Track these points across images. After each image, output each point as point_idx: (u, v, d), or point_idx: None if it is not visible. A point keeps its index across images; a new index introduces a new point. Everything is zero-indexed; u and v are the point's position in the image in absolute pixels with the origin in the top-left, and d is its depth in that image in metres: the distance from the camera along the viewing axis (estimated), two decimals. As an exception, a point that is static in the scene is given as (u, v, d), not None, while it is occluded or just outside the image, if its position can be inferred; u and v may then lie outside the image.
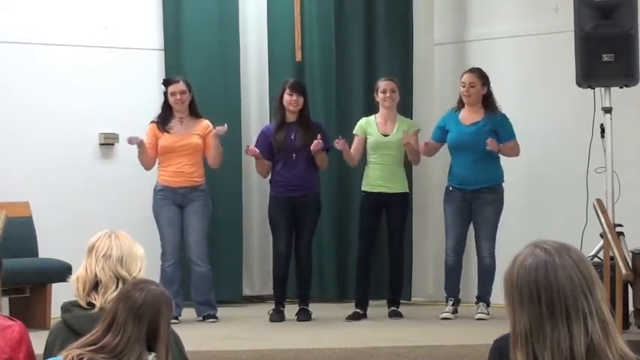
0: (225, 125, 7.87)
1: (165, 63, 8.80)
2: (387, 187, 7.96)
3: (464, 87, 7.93)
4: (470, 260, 8.18)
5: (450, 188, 7.96)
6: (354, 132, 8.12)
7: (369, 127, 8.05)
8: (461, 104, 8.01)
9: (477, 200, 7.85)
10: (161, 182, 7.92)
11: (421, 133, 8.38)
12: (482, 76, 7.94)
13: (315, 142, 7.79)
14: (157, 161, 7.97)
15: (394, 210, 7.98)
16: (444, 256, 8.03)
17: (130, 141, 7.80)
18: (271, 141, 7.95)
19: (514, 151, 7.93)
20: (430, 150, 8.11)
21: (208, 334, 7.17)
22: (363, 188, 8.05)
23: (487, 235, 7.83)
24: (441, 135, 8.03)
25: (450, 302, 7.88)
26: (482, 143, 7.74)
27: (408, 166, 8.24)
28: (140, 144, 7.82)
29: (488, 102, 7.93)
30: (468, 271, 8.29)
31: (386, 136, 8.00)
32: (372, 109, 8.25)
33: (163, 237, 7.86)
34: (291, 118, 7.97)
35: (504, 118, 7.93)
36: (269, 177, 8.11)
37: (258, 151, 7.94)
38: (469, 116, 7.95)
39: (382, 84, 8.04)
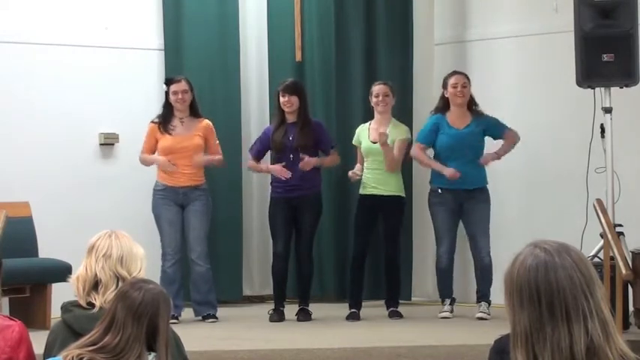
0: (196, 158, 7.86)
1: (165, 63, 8.80)
2: (380, 189, 7.97)
3: (455, 88, 7.93)
4: (469, 260, 8.18)
5: (439, 191, 7.95)
6: (353, 142, 8.17)
7: (362, 134, 8.09)
8: (444, 107, 7.99)
9: (471, 200, 7.87)
10: (161, 181, 7.92)
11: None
12: (468, 79, 7.99)
13: (300, 164, 7.80)
14: (158, 161, 8.00)
15: (388, 212, 7.98)
16: (434, 258, 8.08)
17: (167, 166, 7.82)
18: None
19: (514, 138, 7.94)
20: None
21: (208, 334, 7.17)
22: (359, 192, 8.07)
23: (484, 234, 7.84)
24: (432, 138, 8.00)
25: (448, 302, 7.90)
26: (475, 145, 7.83)
27: (406, 169, 8.25)
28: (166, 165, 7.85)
29: (472, 104, 7.96)
30: (467, 271, 8.30)
31: (374, 143, 8.00)
32: (371, 108, 8.25)
33: (164, 237, 7.86)
34: (290, 118, 7.98)
35: (489, 117, 7.96)
36: (269, 179, 8.14)
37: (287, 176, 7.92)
38: (458, 119, 7.95)
39: (375, 88, 8.05)
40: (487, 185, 7.97)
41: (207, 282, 7.90)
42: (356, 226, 8.05)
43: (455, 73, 8.04)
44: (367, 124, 8.14)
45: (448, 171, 7.83)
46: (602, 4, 7.36)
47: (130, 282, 3.39)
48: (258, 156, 8.13)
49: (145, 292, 3.25)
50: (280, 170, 7.89)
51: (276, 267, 7.99)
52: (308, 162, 7.84)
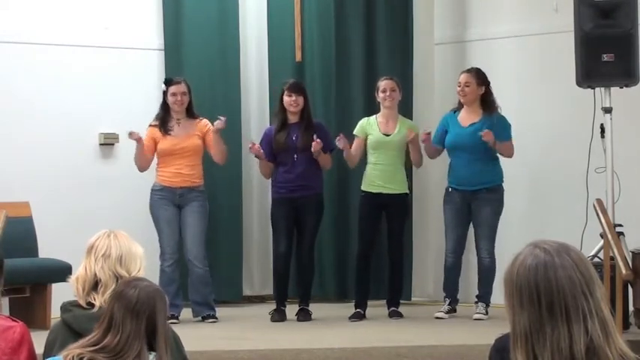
0: (222, 118, 7.84)
1: (165, 63, 8.80)
2: (387, 187, 7.96)
3: (459, 87, 7.94)
4: (470, 260, 8.18)
5: (450, 189, 7.97)
6: (354, 132, 8.11)
7: (369, 127, 8.06)
8: (460, 105, 8.02)
9: (475, 201, 7.85)
10: (159, 182, 7.92)
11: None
12: (478, 76, 7.93)
13: (313, 143, 7.78)
14: (156, 162, 7.97)
15: (394, 211, 7.97)
16: (443, 256, 8.04)
17: (131, 135, 7.79)
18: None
19: (508, 151, 7.90)
20: (433, 152, 8.10)
21: (208, 334, 7.17)
22: (362, 188, 8.05)
23: (486, 236, 7.83)
24: (443, 137, 8.02)
25: (447, 302, 7.90)
26: (480, 144, 7.75)
27: (408, 167, 8.24)
28: (139, 140, 7.82)
29: (486, 102, 7.93)
30: (468, 272, 8.29)
31: (387, 135, 8.00)
32: (372, 108, 8.25)
33: (162, 237, 7.86)
34: (292, 119, 7.97)
35: (502, 119, 7.93)
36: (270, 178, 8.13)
37: (262, 150, 7.93)
38: (467, 117, 7.95)
39: (382, 83, 8.05)
40: (500, 185, 7.90)
41: (206, 284, 7.89)
42: (360, 226, 8.02)
43: (464, 71, 8.04)
44: (373, 117, 8.10)
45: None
46: (602, 4, 7.36)
47: (124, 281, 3.41)
48: (271, 159, 8.03)
49: (140, 290, 3.26)
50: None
51: (279, 266, 7.98)
52: (317, 143, 7.77)
